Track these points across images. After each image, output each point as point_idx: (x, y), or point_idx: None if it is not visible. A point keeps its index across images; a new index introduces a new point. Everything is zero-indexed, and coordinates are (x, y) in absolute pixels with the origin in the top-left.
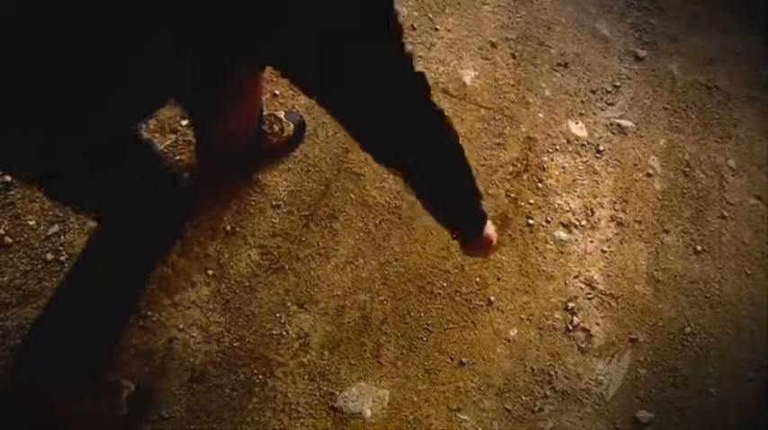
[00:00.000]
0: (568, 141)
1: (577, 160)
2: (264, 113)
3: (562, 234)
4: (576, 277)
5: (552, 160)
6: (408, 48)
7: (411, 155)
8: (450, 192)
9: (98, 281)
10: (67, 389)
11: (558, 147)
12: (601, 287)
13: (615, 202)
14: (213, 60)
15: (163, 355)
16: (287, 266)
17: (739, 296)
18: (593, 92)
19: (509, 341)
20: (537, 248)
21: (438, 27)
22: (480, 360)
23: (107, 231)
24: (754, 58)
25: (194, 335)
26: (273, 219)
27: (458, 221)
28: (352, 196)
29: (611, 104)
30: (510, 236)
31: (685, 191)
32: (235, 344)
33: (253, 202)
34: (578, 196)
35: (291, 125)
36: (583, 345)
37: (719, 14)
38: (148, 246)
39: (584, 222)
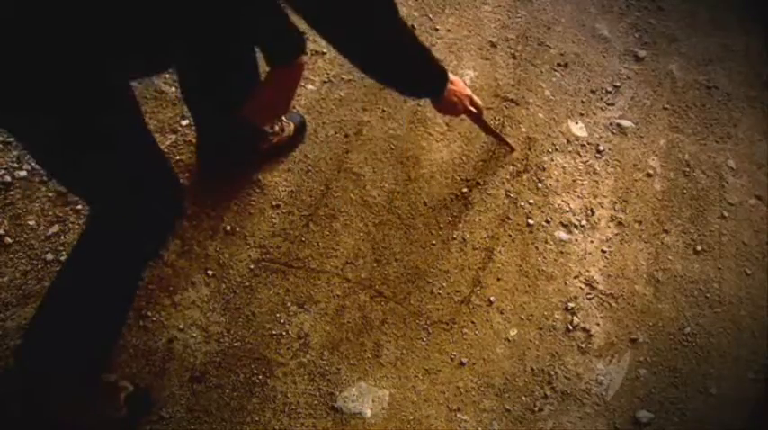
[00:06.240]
0: (568, 141)
1: (577, 160)
2: None
3: (562, 234)
4: (576, 277)
5: (552, 160)
6: None
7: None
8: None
9: (92, 280)
10: (67, 389)
11: (558, 147)
12: (601, 287)
13: (615, 202)
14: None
15: (163, 355)
16: (287, 266)
17: (739, 296)
18: (593, 92)
19: (509, 341)
20: (537, 248)
21: (438, 27)
22: (480, 360)
23: (97, 229)
24: (754, 58)
25: (194, 335)
26: (273, 219)
27: (418, 87)
28: (352, 196)
29: (611, 104)
30: (510, 236)
31: (685, 191)
32: (235, 344)
33: (253, 202)
34: (578, 196)
35: (292, 125)
36: (583, 345)
37: (719, 14)
38: (139, 244)
39: (584, 222)
